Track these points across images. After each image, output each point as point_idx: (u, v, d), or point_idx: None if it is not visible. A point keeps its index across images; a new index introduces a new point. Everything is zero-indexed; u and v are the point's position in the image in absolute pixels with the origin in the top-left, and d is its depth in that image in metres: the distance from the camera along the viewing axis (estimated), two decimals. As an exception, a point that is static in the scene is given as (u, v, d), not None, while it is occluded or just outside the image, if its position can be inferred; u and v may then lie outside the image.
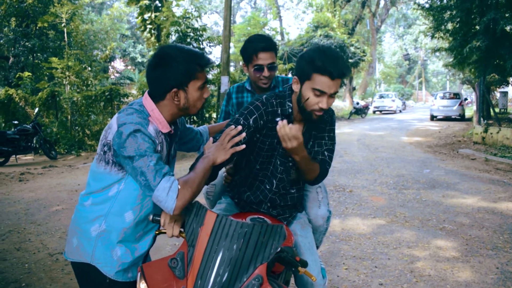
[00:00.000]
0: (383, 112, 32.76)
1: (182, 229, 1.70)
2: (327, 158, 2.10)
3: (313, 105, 1.90)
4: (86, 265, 1.78)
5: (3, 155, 11.02)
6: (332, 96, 1.89)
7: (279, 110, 2.01)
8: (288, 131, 1.80)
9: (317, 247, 2.53)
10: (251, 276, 1.47)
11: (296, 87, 1.95)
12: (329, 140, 2.11)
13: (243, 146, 1.84)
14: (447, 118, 23.33)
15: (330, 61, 1.84)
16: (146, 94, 1.82)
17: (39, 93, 14.32)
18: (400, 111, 34.36)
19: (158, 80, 1.76)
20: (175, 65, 1.72)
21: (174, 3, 15.14)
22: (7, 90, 14.53)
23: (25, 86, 15.71)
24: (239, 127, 1.88)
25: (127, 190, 1.76)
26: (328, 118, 2.10)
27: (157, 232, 1.77)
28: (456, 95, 24.03)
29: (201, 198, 2.42)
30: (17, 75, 16.21)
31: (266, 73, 2.58)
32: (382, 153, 11.29)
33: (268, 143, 2.04)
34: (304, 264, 1.59)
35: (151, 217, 1.74)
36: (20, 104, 14.54)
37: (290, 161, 2.07)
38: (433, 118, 23.71)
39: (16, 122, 12.89)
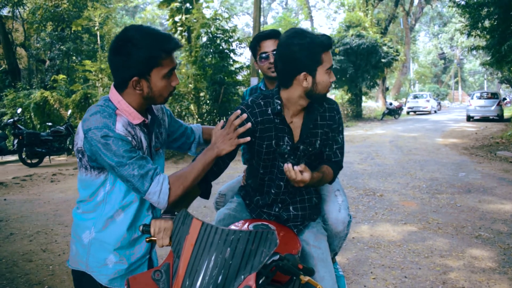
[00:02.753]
0: (417, 112, 32.01)
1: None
2: (340, 156, 2.06)
3: (328, 85, 1.87)
4: (82, 273, 1.72)
5: (37, 156, 11.31)
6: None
7: (269, 110, 1.90)
8: (294, 176, 1.72)
9: (336, 253, 2.42)
10: (239, 287, 1.35)
11: (307, 83, 1.83)
12: (338, 137, 2.04)
13: (248, 138, 1.80)
14: (484, 119, 22.48)
15: (321, 35, 1.83)
16: (112, 87, 1.69)
17: (73, 95, 14.65)
18: (435, 112, 33.50)
19: (118, 68, 1.62)
20: (135, 52, 1.56)
21: (205, 5, 15.17)
22: (43, 92, 14.93)
23: (60, 88, 16.11)
24: (244, 115, 1.82)
25: (113, 190, 1.68)
26: (334, 114, 2.01)
27: (147, 240, 1.67)
28: (494, 95, 23.15)
29: (210, 209, 2.33)
30: (52, 78, 16.66)
31: (271, 59, 2.54)
32: (415, 155, 10.93)
33: (265, 145, 1.93)
34: (309, 272, 1.45)
35: (140, 227, 1.66)
36: (55, 106, 14.89)
37: (292, 160, 1.96)
38: (469, 118, 22.90)
39: (50, 123, 13.20)
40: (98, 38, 15.74)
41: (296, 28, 1.88)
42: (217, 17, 14.19)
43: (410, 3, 37.97)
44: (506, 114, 24.02)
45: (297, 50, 1.77)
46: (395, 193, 6.82)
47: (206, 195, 1.97)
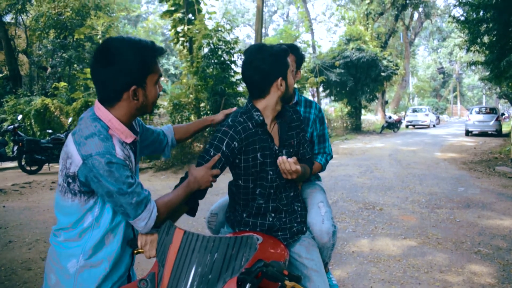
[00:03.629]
0: (416, 126, 32.13)
1: None
2: (310, 153, 2.26)
3: (293, 84, 2.11)
4: None
5: (36, 163, 11.31)
6: None
7: (250, 124, 1.98)
8: (289, 167, 1.87)
9: (327, 263, 2.43)
10: None
11: (282, 88, 2.00)
12: (305, 133, 2.23)
13: (218, 170, 1.91)
14: (483, 134, 22.57)
15: (278, 45, 2.02)
16: (97, 103, 1.60)
17: (74, 103, 14.68)
18: (434, 126, 33.62)
19: (112, 79, 1.53)
20: (130, 59, 1.52)
21: (207, 16, 15.28)
22: (43, 99, 14.97)
23: (60, 96, 16.15)
24: (218, 156, 1.92)
25: (102, 213, 1.62)
26: (299, 115, 2.19)
27: (135, 252, 1.71)
28: (493, 110, 23.25)
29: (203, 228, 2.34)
30: (54, 85, 16.71)
31: None
32: (415, 169, 10.95)
33: (251, 158, 1.99)
34: (295, 278, 1.48)
35: (128, 242, 1.72)
36: (55, 113, 14.93)
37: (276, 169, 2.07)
38: (468, 133, 22.97)
39: (50, 131, 13.22)
40: (101, 46, 15.82)
41: (255, 44, 2.03)
42: (219, 29, 14.30)
43: (410, 18, 38.28)
44: (505, 129, 24.09)
45: (270, 61, 1.93)
46: (395, 207, 6.83)
47: (193, 212, 2.00)
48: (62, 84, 16.58)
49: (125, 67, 1.53)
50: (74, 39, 18.16)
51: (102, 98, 1.60)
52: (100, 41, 15.60)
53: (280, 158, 1.88)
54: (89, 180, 1.51)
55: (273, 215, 2.08)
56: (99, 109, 1.59)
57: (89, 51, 19.31)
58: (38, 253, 4.80)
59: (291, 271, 1.85)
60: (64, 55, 18.72)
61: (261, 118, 1.98)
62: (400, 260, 4.53)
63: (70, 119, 13.59)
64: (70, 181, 1.55)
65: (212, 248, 1.44)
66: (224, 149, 1.92)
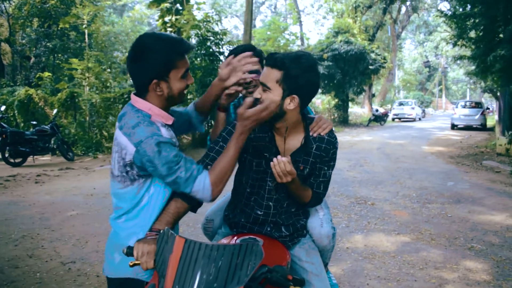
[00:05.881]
0: (402, 119, 32.37)
1: None
2: (322, 189, 1.97)
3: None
4: (130, 280, 1.74)
5: (20, 155, 11.05)
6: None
7: (261, 127, 1.88)
8: (284, 168, 1.69)
9: (326, 264, 2.37)
10: None
11: (295, 102, 1.80)
12: (327, 171, 1.96)
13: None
14: (468, 127, 22.85)
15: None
16: (133, 97, 1.76)
17: (59, 94, 14.38)
18: (420, 119, 33.92)
19: (139, 73, 1.72)
20: (153, 56, 1.66)
21: (195, 6, 15.07)
22: (27, 90, 14.61)
23: (45, 86, 15.82)
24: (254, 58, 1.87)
25: (156, 191, 1.75)
26: (330, 148, 1.93)
27: (131, 264, 1.61)
28: (478, 104, 23.56)
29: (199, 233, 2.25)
30: (38, 75, 16.34)
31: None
32: (403, 163, 11.00)
33: (255, 164, 1.91)
34: (299, 282, 1.44)
35: (124, 249, 1.62)
36: (40, 104, 14.60)
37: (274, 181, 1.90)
38: (454, 127, 23.25)
39: (34, 122, 12.94)
40: (86, 36, 15.52)
41: (307, 55, 1.85)
42: (208, 19, 14.12)
43: (398, 11, 38.42)
44: (489, 123, 24.41)
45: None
46: (386, 202, 6.82)
47: (195, 209, 1.93)
48: (46, 74, 16.24)
49: (148, 63, 1.67)
50: (59, 28, 17.78)
51: (136, 90, 1.77)
52: (86, 30, 15.33)
53: (275, 159, 1.70)
54: (144, 164, 1.64)
55: (272, 225, 1.99)
56: (137, 102, 1.74)
57: (74, 41, 18.95)
58: (25, 250, 4.66)
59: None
60: (48, 44, 18.33)
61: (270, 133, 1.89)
62: (395, 256, 4.51)
63: (55, 111, 13.33)
64: (128, 169, 1.69)
65: (216, 256, 1.36)
66: None
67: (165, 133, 1.68)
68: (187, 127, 2.13)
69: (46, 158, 12.66)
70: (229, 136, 1.81)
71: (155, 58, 1.66)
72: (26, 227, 5.51)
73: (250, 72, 2.12)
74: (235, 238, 1.91)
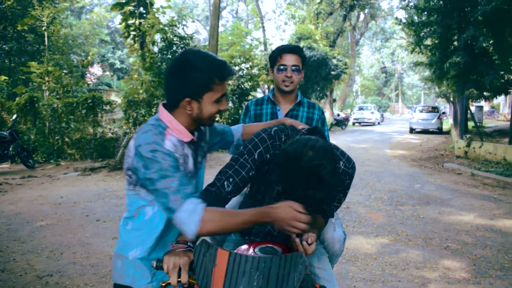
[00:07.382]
0: (362, 124, 33.12)
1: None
2: (333, 212, 1.95)
3: None
4: None
5: (-22, 163, 10.51)
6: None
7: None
8: (304, 251, 1.59)
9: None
10: None
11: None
12: (343, 197, 1.94)
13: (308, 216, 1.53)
14: (425, 131, 23.68)
15: None
16: (161, 106, 1.74)
17: (17, 99, 13.77)
18: (379, 123, 34.84)
19: (174, 89, 1.68)
20: (192, 75, 1.61)
21: (161, 10, 14.85)
22: (-18, 94, 13.94)
23: (1, 90, 15.12)
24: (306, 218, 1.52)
25: (160, 214, 1.69)
26: (346, 178, 1.84)
27: (163, 284, 1.48)
28: (435, 109, 24.50)
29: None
30: (-7, 79, 15.60)
31: (289, 73, 2.55)
32: (370, 166, 11.26)
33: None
34: None
35: (154, 263, 1.50)
36: (-4, 109, 13.95)
37: None
38: (412, 130, 24.08)
39: (-9, 128, 12.34)
40: (46, 38, 14.96)
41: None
42: (174, 24, 13.97)
43: (357, 18, 39.42)
44: (445, 126, 25.42)
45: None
46: (360, 205, 6.96)
47: None
48: (3, 78, 15.53)
49: (186, 80, 1.63)
50: (15, 30, 17.05)
51: (166, 102, 1.74)
52: (46, 32, 14.77)
53: (296, 240, 1.57)
54: (139, 170, 1.58)
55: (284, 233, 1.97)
56: (161, 111, 1.72)
57: (32, 43, 18.22)
58: (-3, 262, 4.43)
59: None
60: (4, 46, 17.54)
61: None
62: (376, 258, 4.60)
63: (14, 116, 12.74)
64: (130, 173, 1.66)
65: (264, 269, 1.35)
66: (256, 157, 1.76)
67: (169, 145, 1.61)
68: (221, 145, 2.14)
69: (5, 165, 12.09)
70: (256, 149, 1.76)
71: (195, 77, 1.62)
72: (-8, 238, 5.24)
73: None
74: (252, 247, 1.87)
